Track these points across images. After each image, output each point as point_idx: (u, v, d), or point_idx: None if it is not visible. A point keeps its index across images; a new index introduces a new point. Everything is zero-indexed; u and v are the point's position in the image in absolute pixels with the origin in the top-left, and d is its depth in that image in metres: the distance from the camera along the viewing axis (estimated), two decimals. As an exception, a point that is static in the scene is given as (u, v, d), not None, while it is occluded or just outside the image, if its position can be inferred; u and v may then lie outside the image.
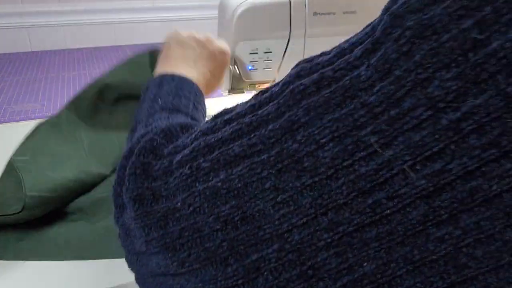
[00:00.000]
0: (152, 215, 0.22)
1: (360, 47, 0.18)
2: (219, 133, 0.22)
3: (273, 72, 0.61)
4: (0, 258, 0.47)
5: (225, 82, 0.65)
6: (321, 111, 0.18)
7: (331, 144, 0.18)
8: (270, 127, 0.20)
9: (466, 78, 0.15)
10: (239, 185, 0.20)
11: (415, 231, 0.17)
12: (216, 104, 0.96)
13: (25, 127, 0.86)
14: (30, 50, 1.68)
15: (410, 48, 0.16)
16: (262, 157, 0.19)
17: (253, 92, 0.72)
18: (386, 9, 0.18)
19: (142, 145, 0.25)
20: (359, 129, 0.17)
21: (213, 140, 0.22)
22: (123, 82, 0.57)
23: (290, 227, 0.18)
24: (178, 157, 0.23)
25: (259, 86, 0.66)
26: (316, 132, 0.18)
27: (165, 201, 0.22)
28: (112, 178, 0.56)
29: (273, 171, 0.19)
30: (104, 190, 0.55)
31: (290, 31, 0.56)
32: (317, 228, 0.18)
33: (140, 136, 0.28)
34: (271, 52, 0.58)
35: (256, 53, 0.58)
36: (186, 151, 0.23)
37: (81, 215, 0.53)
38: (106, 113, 0.59)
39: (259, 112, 0.21)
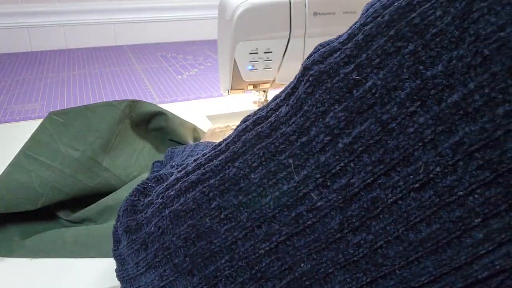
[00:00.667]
0: (137, 241, 0.27)
1: (285, 92, 0.23)
2: (186, 169, 0.27)
3: (273, 72, 0.61)
4: (6, 256, 0.47)
5: (225, 82, 0.65)
6: (253, 142, 0.22)
7: (260, 168, 0.22)
8: (219, 158, 0.24)
9: (352, 110, 0.19)
10: (194, 206, 0.24)
11: (335, 238, 0.20)
12: (216, 104, 0.96)
13: (25, 127, 0.86)
14: (30, 50, 1.68)
15: (313, 89, 0.21)
16: (211, 181, 0.23)
17: (253, 92, 0.72)
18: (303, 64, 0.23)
19: (136, 188, 0.31)
20: (280, 154, 0.21)
21: (180, 174, 0.26)
22: (171, 124, 0.69)
23: (234, 240, 0.22)
24: (157, 192, 0.28)
25: (260, 86, 0.66)
26: (249, 158, 0.22)
27: (145, 227, 0.26)
28: (122, 190, 0.57)
29: (217, 192, 0.23)
30: (112, 199, 0.55)
31: (290, 31, 0.56)
32: (256, 239, 0.22)
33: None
34: (271, 52, 0.58)
35: (256, 53, 0.58)
36: (163, 186, 0.28)
37: (87, 222, 0.53)
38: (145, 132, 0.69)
39: (217, 148, 0.25)
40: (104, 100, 1.03)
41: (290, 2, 0.54)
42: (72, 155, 0.54)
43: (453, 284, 0.19)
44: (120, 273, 0.30)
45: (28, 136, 0.62)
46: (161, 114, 0.68)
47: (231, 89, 0.66)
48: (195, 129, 0.75)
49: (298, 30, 0.56)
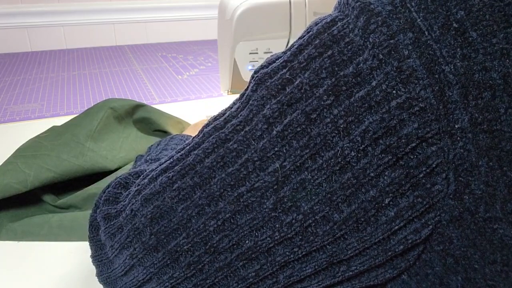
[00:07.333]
0: (114, 225, 0.30)
1: (241, 93, 0.26)
2: (160, 161, 0.29)
3: (273, 72, 0.61)
4: None
5: (225, 82, 0.65)
6: (210, 133, 0.25)
7: (212, 153, 0.24)
8: (184, 149, 0.27)
9: (283, 102, 0.22)
10: (160, 189, 0.27)
11: (270, 217, 0.23)
12: (216, 104, 0.96)
13: (25, 127, 0.86)
14: (30, 50, 1.68)
15: (257, 87, 0.24)
16: (175, 168, 0.26)
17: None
18: (255, 72, 0.26)
19: (118, 180, 0.34)
20: (228, 141, 0.24)
21: (155, 166, 0.29)
22: (153, 115, 0.73)
23: (189, 217, 0.25)
24: (135, 183, 0.31)
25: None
26: (205, 146, 0.25)
27: (122, 213, 0.29)
28: (107, 179, 0.58)
29: (179, 176, 0.26)
30: (96, 187, 0.57)
31: (290, 31, 0.56)
32: (206, 217, 0.24)
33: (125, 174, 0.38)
34: (271, 52, 0.58)
35: (256, 53, 0.58)
36: (140, 178, 0.31)
37: (73, 209, 0.55)
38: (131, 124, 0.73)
39: (186, 142, 0.28)
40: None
41: (290, 2, 0.54)
42: (55, 144, 0.57)
43: (376, 257, 0.22)
44: (98, 257, 0.33)
45: (28, 136, 0.62)
46: (141, 105, 0.72)
47: (231, 89, 0.66)
48: (180, 122, 0.77)
49: (298, 30, 0.56)
